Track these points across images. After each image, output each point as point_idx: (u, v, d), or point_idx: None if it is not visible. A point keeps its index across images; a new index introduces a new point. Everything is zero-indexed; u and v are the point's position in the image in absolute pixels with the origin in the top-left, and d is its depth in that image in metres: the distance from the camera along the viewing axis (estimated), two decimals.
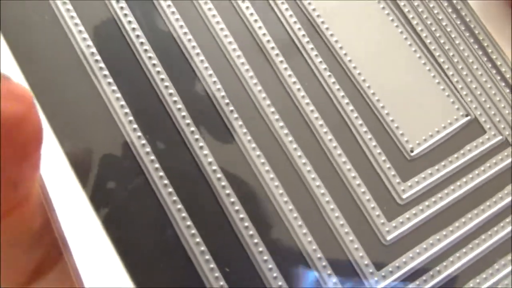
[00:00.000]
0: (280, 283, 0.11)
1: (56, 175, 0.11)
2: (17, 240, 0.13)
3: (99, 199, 0.11)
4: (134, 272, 0.11)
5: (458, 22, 0.14)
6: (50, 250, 0.13)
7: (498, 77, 0.14)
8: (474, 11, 0.15)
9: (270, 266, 0.11)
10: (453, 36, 0.14)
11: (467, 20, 0.15)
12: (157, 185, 0.12)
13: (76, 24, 0.12)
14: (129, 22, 0.13)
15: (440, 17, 0.14)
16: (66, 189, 0.11)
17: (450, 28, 0.14)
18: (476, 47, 0.14)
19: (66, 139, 0.11)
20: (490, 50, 0.14)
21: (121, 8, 0.13)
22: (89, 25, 0.12)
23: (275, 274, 0.11)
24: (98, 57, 0.12)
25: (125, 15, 0.13)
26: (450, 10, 0.15)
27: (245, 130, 0.12)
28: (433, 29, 0.14)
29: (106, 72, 0.12)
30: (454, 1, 0.15)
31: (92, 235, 0.11)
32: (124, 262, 0.11)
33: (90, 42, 0.12)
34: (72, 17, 0.12)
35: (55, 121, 0.12)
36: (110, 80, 0.12)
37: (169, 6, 0.13)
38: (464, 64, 0.14)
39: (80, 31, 0.12)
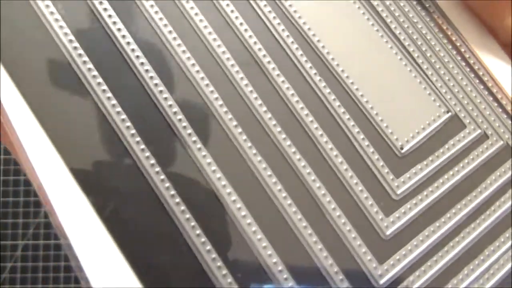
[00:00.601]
0: (290, 284, 0.12)
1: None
2: None
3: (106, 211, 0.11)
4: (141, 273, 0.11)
5: (432, 25, 0.15)
6: None
7: (472, 75, 0.15)
8: (444, 13, 0.16)
9: (279, 268, 0.12)
10: (428, 38, 0.15)
11: (440, 22, 0.15)
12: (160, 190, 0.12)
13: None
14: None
15: (415, 20, 0.15)
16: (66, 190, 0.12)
17: (426, 30, 0.15)
18: (450, 47, 0.15)
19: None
20: (463, 50, 0.15)
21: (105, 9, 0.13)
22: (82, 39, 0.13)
23: (285, 276, 0.12)
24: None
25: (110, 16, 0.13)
26: (423, 13, 0.15)
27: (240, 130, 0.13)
28: (410, 31, 0.15)
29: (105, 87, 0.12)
30: (427, 5, 0.15)
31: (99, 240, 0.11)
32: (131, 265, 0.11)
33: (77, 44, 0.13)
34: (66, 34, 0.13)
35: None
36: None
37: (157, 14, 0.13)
38: (441, 63, 0.15)
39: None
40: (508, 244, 0.13)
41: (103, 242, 0.11)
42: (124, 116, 0.12)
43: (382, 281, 0.12)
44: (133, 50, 0.12)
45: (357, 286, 0.12)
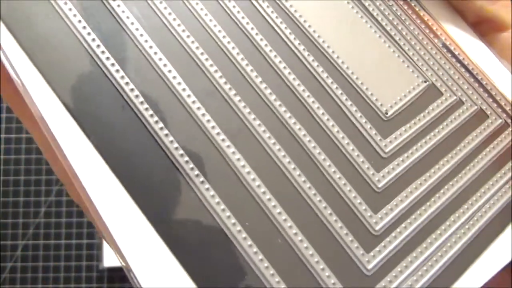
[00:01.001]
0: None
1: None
2: None
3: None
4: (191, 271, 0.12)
5: (406, 7, 0.17)
6: None
7: (445, 49, 0.16)
8: None
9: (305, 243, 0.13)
10: (403, 18, 0.16)
11: (413, 5, 0.17)
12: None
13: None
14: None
15: (390, 3, 0.17)
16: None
17: (400, 12, 0.17)
18: (423, 26, 0.17)
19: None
20: (435, 28, 0.17)
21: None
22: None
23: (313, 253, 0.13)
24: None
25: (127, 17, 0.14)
26: None
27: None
28: (386, 13, 0.16)
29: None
30: None
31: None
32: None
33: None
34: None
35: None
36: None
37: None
38: (416, 40, 0.16)
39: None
40: (488, 195, 0.15)
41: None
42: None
43: (377, 227, 0.13)
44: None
45: (356, 232, 0.13)
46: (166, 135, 0.13)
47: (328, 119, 0.14)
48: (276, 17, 0.15)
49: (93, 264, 0.52)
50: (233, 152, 0.13)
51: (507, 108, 0.16)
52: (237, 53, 0.14)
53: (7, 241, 0.53)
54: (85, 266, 0.52)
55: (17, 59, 0.13)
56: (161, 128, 0.13)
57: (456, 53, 0.17)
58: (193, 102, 0.14)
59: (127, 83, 0.13)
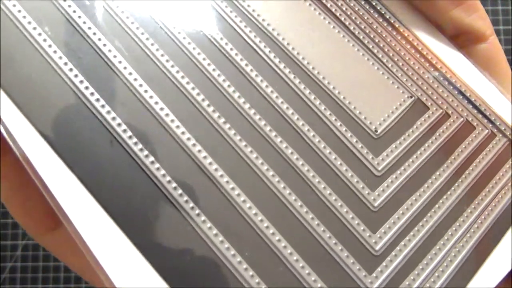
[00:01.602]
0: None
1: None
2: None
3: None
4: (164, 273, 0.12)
5: (385, 24, 0.17)
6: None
7: (427, 64, 0.16)
8: (395, 13, 0.17)
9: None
10: (384, 35, 0.16)
11: (392, 21, 0.17)
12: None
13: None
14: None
15: (370, 22, 0.17)
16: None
17: (380, 29, 0.17)
18: (404, 42, 0.17)
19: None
20: (416, 43, 0.17)
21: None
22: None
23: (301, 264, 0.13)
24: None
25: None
26: (376, 15, 0.17)
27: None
28: (367, 31, 0.16)
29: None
30: (378, 7, 0.17)
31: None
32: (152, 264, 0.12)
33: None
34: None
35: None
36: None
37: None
38: (398, 56, 0.16)
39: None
40: (483, 205, 0.15)
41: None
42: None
43: (377, 247, 0.13)
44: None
45: (356, 254, 0.13)
46: (158, 168, 0.13)
47: (319, 141, 0.14)
48: (260, 42, 0.15)
49: None
50: (227, 181, 0.13)
51: (492, 118, 0.16)
52: (223, 80, 0.14)
53: (7, 241, 0.53)
54: None
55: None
56: (152, 162, 0.13)
57: (439, 66, 0.17)
58: (183, 133, 0.13)
59: (113, 118, 0.13)
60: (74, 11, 0.14)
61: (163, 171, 0.13)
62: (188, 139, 0.13)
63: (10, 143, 0.12)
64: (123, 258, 0.12)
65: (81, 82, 0.13)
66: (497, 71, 0.18)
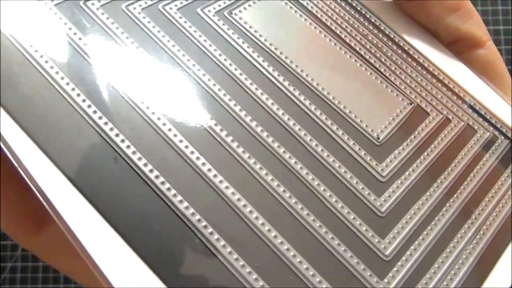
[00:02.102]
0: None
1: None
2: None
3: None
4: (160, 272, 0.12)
5: (381, 35, 0.18)
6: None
7: (424, 71, 0.17)
8: (389, 25, 0.18)
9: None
10: (380, 46, 0.17)
11: (387, 32, 0.18)
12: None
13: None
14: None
15: (366, 33, 0.17)
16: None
17: (376, 40, 0.17)
18: (400, 51, 0.17)
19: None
20: (411, 52, 0.17)
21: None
22: None
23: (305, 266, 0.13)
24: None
25: None
26: (371, 27, 0.18)
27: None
28: (363, 43, 0.17)
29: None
30: (372, 19, 0.18)
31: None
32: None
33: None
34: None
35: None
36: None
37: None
38: (396, 65, 0.17)
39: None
40: (490, 206, 0.15)
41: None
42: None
43: (387, 252, 0.14)
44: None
45: (367, 260, 0.13)
46: (180, 201, 0.13)
47: (322, 150, 0.15)
48: (263, 61, 0.16)
49: None
50: (233, 193, 0.13)
51: (493, 121, 0.17)
52: (224, 94, 0.15)
53: (7, 241, 0.53)
54: None
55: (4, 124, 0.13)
56: (174, 195, 0.13)
57: (436, 73, 0.17)
58: (197, 158, 0.14)
59: (122, 140, 0.13)
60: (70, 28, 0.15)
61: (192, 210, 0.13)
62: (201, 162, 0.14)
63: (5, 150, 0.13)
64: (128, 269, 0.12)
65: (84, 101, 0.14)
66: (495, 76, 0.18)
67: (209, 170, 0.14)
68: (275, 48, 0.16)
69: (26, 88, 0.13)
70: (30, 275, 0.54)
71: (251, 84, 0.15)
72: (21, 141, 0.13)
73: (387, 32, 0.18)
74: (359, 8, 0.18)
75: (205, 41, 0.16)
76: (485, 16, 0.54)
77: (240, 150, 0.14)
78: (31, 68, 0.14)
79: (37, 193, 0.12)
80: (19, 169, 0.12)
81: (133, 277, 0.12)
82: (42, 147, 0.13)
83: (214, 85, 0.15)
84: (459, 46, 0.18)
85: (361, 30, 0.18)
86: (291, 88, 0.16)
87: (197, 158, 0.14)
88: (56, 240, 0.15)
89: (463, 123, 0.17)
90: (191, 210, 0.13)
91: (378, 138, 0.16)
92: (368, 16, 0.18)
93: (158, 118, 0.14)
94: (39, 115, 0.13)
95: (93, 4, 0.15)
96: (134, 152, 0.13)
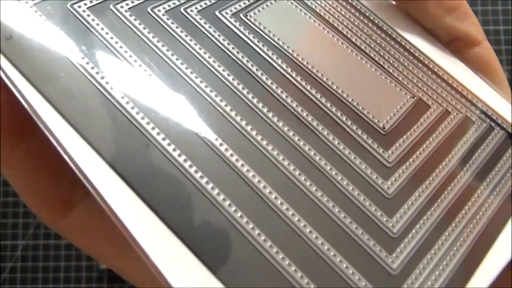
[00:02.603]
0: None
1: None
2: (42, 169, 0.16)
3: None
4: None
5: (383, 35, 0.19)
6: (76, 187, 0.16)
7: (425, 68, 0.19)
8: (391, 25, 0.20)
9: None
10: (383, 45, 0.19)
11: (389, 32, 0.19)
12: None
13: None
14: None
15: (370, 33, 0.19)
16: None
17: (380, 40, 0.19)
18: (402, 50, 0.19)
19: None
20: (412, 50, 0.19)
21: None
22: None
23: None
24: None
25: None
26: (375, 28, 0.19)
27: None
28: (368, 42, 0.19)
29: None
30: (377, 21, 0.20)
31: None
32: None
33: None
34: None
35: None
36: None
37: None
38: (398, 62, 0.19)
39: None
40: (489, 189, 0.17)
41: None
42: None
43: (395, 230, 0.15)
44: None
45: (377, 237, 0.15)
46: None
47: (333, 138, 0.16)
48: (277, 58, 0.18)
49: (93, 264, 0.54)
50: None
51: (490, 113, 0.18)
52: (242, 88, 0.17)
53: (7, 241, 0.54)
54: (85, 266, 0.53)
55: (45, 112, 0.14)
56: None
57: (435, 69, 0.19)
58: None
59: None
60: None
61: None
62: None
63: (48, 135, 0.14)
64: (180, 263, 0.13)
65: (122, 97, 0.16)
66: (491, 72, 0.19)
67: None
68: (288, 47, 0.18)
69: (65, 81, 0.15)
70: (30, 275, 0.54)
71: (271, 83, 0.17)
72: (65, 131, 0.14)
73: (389, 32, 0.19)
74: (363, 11, 0.20)
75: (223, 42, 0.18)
76: (485, 16, 0.56)
77: (264, 142, 0.16)
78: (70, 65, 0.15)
79: (80, 176, 0.14)
80: (65, 156, 0.14)
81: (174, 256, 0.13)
82: (83, 135, 0.14)
83: (238, 84, 0.17)
84: (457, 45, 0.19)
85: (365, 31, 0.19)
86: (304, 83, 0.17)
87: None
88: (81, 223, 0.16)
89: (461, 115, 0.18)
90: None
91: (384, 128, 0.17)
92: (372, 18, 0.20)
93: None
94: (77, 106, 0.15)
95: (121, 7, 0.17)
96: (164, 139, 0.15)
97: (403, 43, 0.19)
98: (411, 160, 0.17)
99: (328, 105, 0.17)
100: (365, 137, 0.17)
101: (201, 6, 0.18)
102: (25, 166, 0.16)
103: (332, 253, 0.14)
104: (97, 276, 0.54)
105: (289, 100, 0.17)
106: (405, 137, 0.17)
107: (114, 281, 0.54)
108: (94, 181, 0.13)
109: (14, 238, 0.55)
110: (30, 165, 0.16)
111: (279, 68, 0.17)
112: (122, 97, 0.15)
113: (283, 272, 0.13)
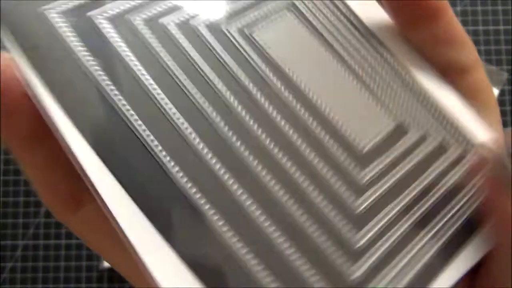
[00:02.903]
0: None
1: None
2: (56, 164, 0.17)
3: None
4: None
5: (379, 58, 0.19)
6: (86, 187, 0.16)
7: (407, 89, 0.19)
8: (385, 44, 0.20)
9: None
10: (376, 67, 0.19)
11: (384, 56, 0.19)
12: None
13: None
14: None
15: (358, 47, 0.19)
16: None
17: (373, 62, 0.19)
18: (394, 74, 0.19)
19: None
20: (397, 67, 0.19)
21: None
22: None
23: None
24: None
25: None
26: (371, 49, 0.19)
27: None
28: (361, 63, 0.19)
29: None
30: (374, 43, 0.20)
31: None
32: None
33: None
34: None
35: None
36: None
37: None
38: (386, 84, 0.19)
39: None
40: (451, 213, 0.17)
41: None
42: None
43: (360, 243, 0.16)
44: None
45: (341, 248, 0.16)
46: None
47: (314, 156, 0.17)
48: (269, 72, 0.18)
49: (93, 264, 0.55)
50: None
51: (466, 141, 0.19)
52: (234, 100, 0.17)
53: (7, 241, 0.55)
54: (85, 266, 0.54)
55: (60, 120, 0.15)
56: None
57: (422, 94, 0.19)
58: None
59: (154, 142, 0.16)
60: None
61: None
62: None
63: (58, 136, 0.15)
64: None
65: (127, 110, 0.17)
66: (482, 100, 0.20)
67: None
68: (278, 59, 0.18)
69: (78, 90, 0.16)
70: (30, 275, 0.55)
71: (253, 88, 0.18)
72: (75, 136, 0.15)
73: (384, 55, 0.20)
74: (362, 31, 0.20)
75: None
76: (485, 16, 0.56)
77: (246, 154, 0.17)
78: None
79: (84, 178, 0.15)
80: (71, 159, 0.15)
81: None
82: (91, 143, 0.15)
83: (218, 82, 0.18)
84: (450, 73, 0.20)
85: (362, 53, 0.20)
86: (290, 97, 0.18)
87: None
88: (91, 220, 0.17)
89: (438, 140, 0.19)
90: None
91: (363, 149, 0.18)
92: (371, 41, 0.20)
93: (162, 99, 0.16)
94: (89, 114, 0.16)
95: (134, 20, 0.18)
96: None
97: (396, 67, 0.19)
98: (384, 179, 0.17)
99: (310, 121, 0.18)
100: (342, 157, 0.17)
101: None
102: (46, 167, 0.17)
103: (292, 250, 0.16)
104: (97, 276, 0.55)
105: (274, 113, 0.17)
106: (381, 159, 0.18)
107: (114, 281, 0.55)
108: (98, 187, 0.15)
109: (14, 238, 0.55)
110: (50, 166, 0.17)
111: (266, 78, 0.18)
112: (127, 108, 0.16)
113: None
